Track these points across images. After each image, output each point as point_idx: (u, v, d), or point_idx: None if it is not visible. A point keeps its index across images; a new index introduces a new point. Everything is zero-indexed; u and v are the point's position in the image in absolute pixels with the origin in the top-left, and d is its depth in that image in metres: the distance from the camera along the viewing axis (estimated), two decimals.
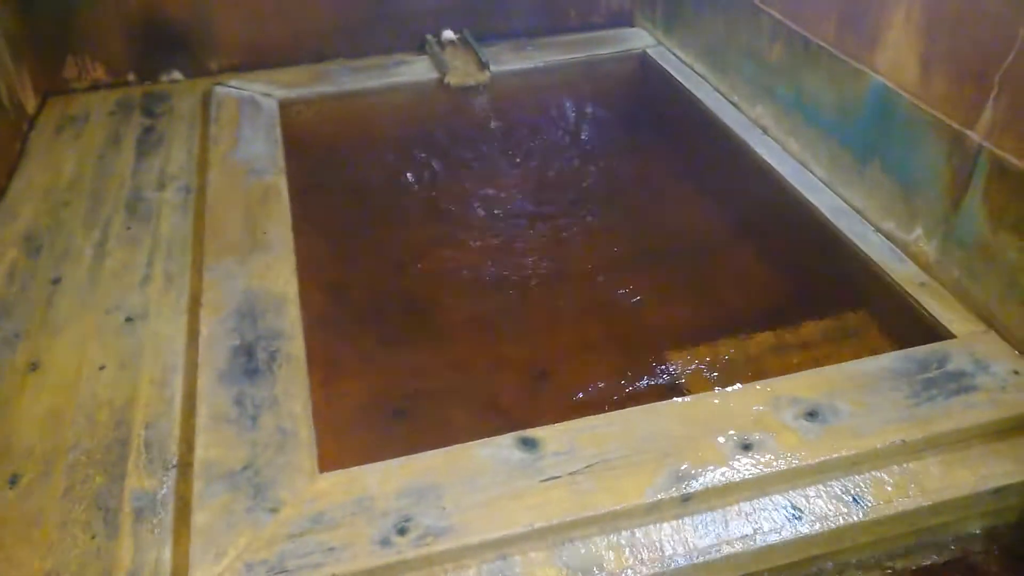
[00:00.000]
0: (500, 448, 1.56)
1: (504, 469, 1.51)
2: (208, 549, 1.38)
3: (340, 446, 1.73)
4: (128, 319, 1.90)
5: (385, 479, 1.50)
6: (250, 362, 1.75)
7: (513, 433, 1.58)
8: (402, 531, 1.41)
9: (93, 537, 1.43)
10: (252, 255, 2.06)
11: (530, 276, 2.38)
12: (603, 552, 1.43)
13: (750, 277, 2.34)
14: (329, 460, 1.57)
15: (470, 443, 1.57)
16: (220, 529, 1.41)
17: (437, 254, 2.49)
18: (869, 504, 1.49)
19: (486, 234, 2.58)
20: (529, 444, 1.56)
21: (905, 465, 1.56)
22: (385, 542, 1.39)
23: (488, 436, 1.58)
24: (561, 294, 2.31)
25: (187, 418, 1.65)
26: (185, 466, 1.55)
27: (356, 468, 1.53)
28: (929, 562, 1.55)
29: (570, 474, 1.50)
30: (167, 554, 1.42)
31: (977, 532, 1.59)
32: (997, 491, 1.53)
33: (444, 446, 1.57)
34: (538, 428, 1.59)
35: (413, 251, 2.51)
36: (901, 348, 1.78)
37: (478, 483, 1.49)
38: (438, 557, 1.39)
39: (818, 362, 1.77)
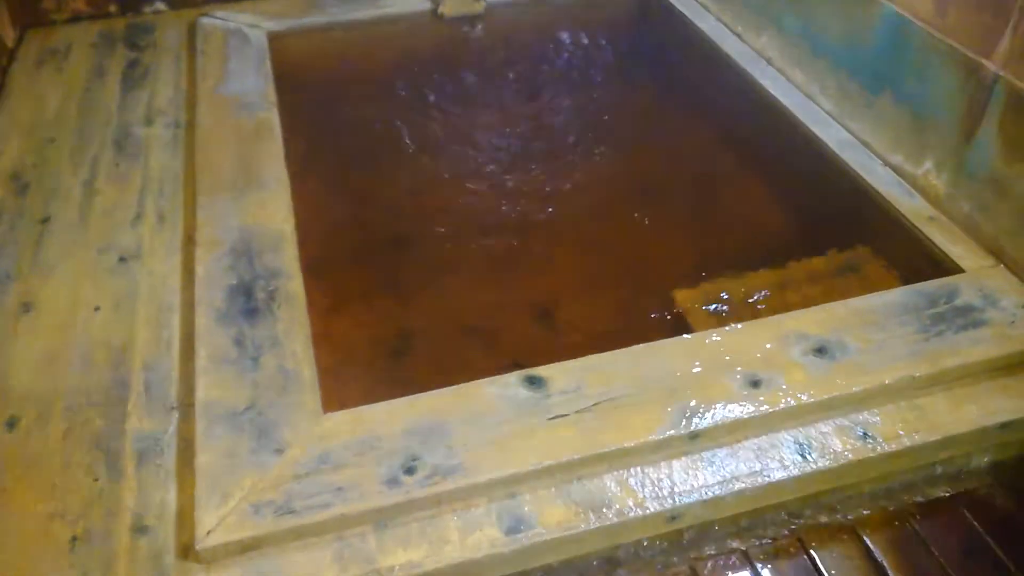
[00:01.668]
0: (507, 386, 1.54)
1: (511, 407, 1.50)
2: (213, 491, 1.36)
3: (343, 386, 1.71)
4: (121, 259, 1.85)
5: (391, 418, 1.48)
6: (249, 301, 1.71)
7: (519, 371, 1.56)
8: (410, 470, 1.40)
9: (96, 479, 1.41)
10: (246, 192, 2.00)
11: (530, 213, 2.34)
12: (612, 489, 1.42)
13: (755, 212, 2.31)
14: (332, 400, 1.55)
15: (476, 381, 1.55)
16: (225, 471, 1.39)
17: (435, 191, 2.44)
18: (878, 440, 1.49)
19: (484, 171, 2.53)
20: (535, 382, 1.54)
21: (914, 400, 1.55)
22: (393, 482, 1.38)
23: (493, 375, 1.56)
24: (563, 231, 2.27)
25: (186, 359, 1.62)
26: (186, 408, 1.53)
27: (361, 408, 1.51)
28: (936, 496, 1.56)
29: (577, 412, 1.49)
30: (172, 496, 1.40)
31: (983, 466, 1.60)
32: (1004, 426, 1.53)
33: (448, 385, 1.55)
34: (544, 366, 1.57)
35: (410, 188, 2.46)
36: (909, 283, 1.76)
37: (485, 421, 1.47)
38: (446, 496, 1.38)
39: (825, 298, 1.75)
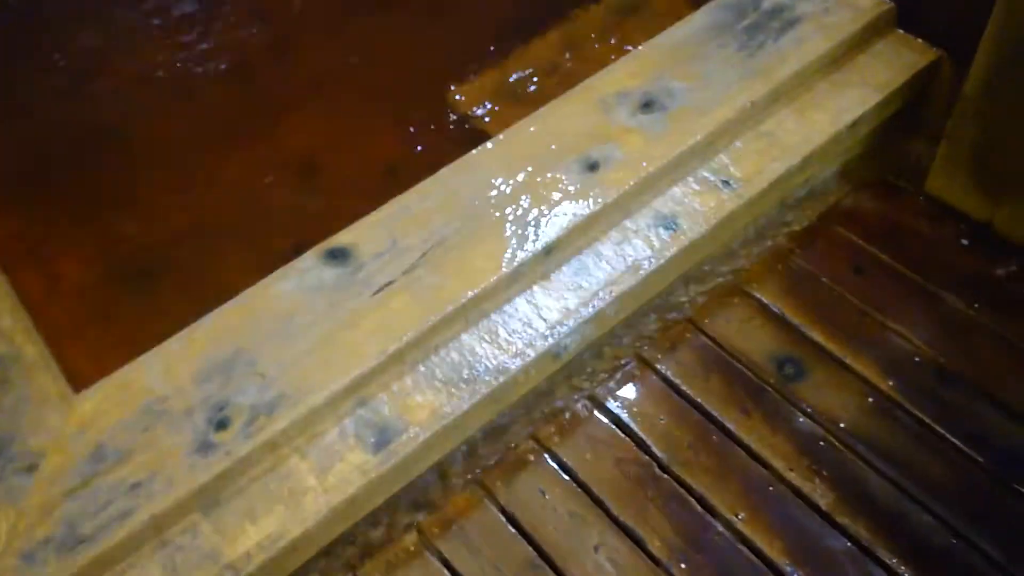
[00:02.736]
0: (305, 273, 1.19)
1: (320, 296, 1.16)
2: None
3: (90, 348, 1.28)
4: None
5: (170, 367, 1.10)
6: None
7: (312, 250, 1.21)
8: (221, 424, 1.05)
9: None
10: None
11: (245, 57, 1.86)
12: (479, 348, 1.14)
13: None
14: (83, 373, 1.13)
15: (263, 281, 1.19)
16: None
17: (114, 65, 1.88)
18: (741, 182, 1.29)
19: (163, 23, 1.98)
20: (339, 256, 1.20)
21: (759, 129, 1.36)
22: (205, 447, 1.03)
23: (280, 265, 1.20)
24: (293, 68, 1.82)
25: None
26: None
27: (125, 368, 1.11)
28: (807, 222, 1.42)
29: (405, 273, 1.18)
30: None
31: (834, 175, 1.47)
32: (853, 125, 1.38)
33: (229, 298, 1.17)
34: (341, 232, 1.23)
35: (78, 69, 1.87)
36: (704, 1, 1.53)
37: (295, 326, 1.13)
38: (282, 437, 1.06)
39: (622, 46, 1.49)
